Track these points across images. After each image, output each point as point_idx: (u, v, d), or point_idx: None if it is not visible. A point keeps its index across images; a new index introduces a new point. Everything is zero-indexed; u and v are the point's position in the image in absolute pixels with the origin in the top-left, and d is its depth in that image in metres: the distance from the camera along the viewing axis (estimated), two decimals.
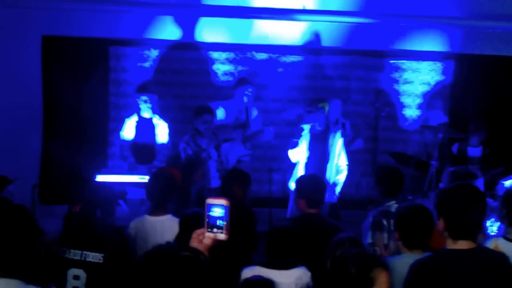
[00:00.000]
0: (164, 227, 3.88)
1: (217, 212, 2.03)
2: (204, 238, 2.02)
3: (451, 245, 2.58)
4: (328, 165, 5.80)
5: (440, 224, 2.59)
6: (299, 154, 5.82)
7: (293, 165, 5.93)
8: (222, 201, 2.03)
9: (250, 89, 6.10)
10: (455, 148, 6.75)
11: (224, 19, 7.17)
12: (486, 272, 2.55)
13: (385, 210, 4.10)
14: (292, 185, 5.93)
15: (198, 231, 2.05)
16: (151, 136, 6.20)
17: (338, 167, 5.84)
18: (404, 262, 3.15)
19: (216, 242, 2.03)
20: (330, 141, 5.80)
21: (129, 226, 4.12)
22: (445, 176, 6.08)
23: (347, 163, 5.87)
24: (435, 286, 2.51)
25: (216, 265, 1.93)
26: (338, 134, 5.87)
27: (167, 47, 7.33)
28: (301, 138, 5.81)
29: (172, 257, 1.77)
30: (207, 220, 2.03)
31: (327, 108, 5.87)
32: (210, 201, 2.04)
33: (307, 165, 5.85)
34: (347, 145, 6.12)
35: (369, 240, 4.04)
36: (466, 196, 2.58)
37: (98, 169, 5.90)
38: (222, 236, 2.02)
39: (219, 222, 2.03)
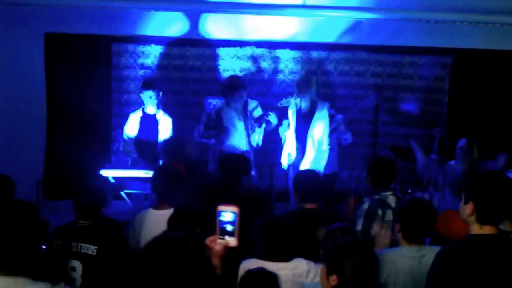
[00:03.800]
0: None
1: (226, 217, 2.08)
2: (216, 245, 2.06)
3: (477, 230, 2.58)
4: (307, 142, 5.94)
5: (468, 208, 2.58)
6: (288, 133, 6.00)
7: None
8: (232, 208, 2.07)
9: (244, 92, 6.20)
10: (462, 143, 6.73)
11: (226, 15, 7.21)
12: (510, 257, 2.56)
13: (381, 200, 4.14)
14: (284, 162, 6.09)
15: (210, 238, 2.08)
16: (154, 132, 6.26)
17: (320, 148, 5.96)
18: (401, 254, 3.22)
19: (226, 250, 2.07)
20: (314, 119, 5.94)
21: (133, 220, 4.19)
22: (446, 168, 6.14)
23: (329, 146, 6.04)
24: (463, 272, 2.51)
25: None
26: (324, 112, 5.97)
27: (169, 44, 7.38)
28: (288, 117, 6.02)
29: (176, 246, 1.78)
30: (218, 226, 2.08)
31: (314, 87, 6.01)
32: (221, 208, 2.08)
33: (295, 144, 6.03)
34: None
35: (359, 228, 4.10)
36: (498, 182, 2.60)
37: (102, 165, 5.97)
38: (233, 242, 2.07)
39: (229, 227, 2.07)
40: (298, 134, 6.07)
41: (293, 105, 6.13)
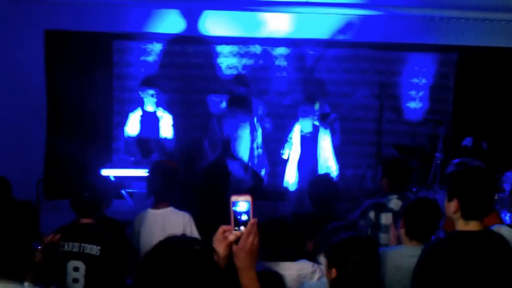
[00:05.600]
0: (166, 220, 3.88)
1: (241, 207, 2.02)
2: (230, 235, 2.01)
3: (463, 226, 2.63)
4: (319, 165, 5.90)
5: (453, 205, 2.62)
6: (291, 153, 5.93)
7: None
8: (245, 197, 2.02)
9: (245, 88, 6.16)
10: (467, 141, 6.68)
11: (228, 12, 7.17)
12: (496, 253, 2.59)
13: (379, 203, 4.06)
14: (289, 180, 6.02)
15: (225, 227, 2.02)
16: (155, 130, 6.21)
17: (329, 168, 5.91)
18: (401, 253, 3.19)
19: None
20: (319, 141, 5.90)
21: (134, 220, 4.14)
22: (449, 168, 6.06)
23: (337, 165, 5.99)
24: (448, 267, 2.55)
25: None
26: (327, 132, 5.93)
27: (170, 41, 7.33)
28: (292, 136, 5.98)
29: (183, 251, 1.73)
30: (233, 216, 2.02)
31: (317, 107, 6.00)
32: (235, 198, 2.03)
33: (299, 164, 5.94)
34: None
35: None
36: (481, 178, 2.65)
37: (103, 164, 5.92)
38: None
39: (244, 217, 2.02)
40: (304, 156, 6.01)
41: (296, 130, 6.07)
